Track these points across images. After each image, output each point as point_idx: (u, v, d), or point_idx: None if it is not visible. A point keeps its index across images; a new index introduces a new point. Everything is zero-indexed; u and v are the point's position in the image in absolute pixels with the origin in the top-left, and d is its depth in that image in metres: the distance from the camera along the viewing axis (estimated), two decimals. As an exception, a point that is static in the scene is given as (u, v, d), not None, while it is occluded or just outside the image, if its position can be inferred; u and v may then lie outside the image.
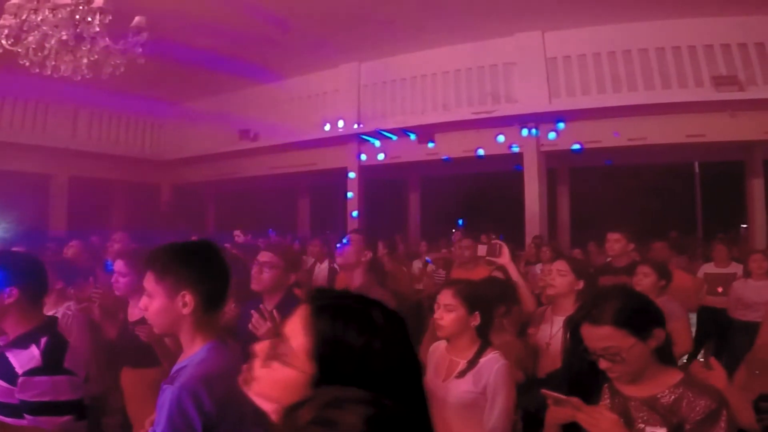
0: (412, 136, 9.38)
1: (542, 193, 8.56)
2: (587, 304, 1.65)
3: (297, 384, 0.87)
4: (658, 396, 1.55)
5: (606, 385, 1.66)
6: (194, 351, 1.57)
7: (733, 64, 7.29)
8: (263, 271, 2.78)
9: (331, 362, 0.87)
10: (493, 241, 3.37)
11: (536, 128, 8.49)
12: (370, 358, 0.86)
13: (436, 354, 2.37)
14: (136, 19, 5.33)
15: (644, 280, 3.41)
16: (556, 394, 1.54)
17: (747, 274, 5.02)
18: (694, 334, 6.55)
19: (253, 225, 10.13)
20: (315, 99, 10.46)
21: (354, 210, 10.06)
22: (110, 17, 5.00)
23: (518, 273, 3.24)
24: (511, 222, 9.56)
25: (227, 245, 5.81)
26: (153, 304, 1.58)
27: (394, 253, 6.53)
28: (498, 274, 3.41)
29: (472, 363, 2.19)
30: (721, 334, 5.29)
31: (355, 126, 9.83)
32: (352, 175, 10.11)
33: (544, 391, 1.60)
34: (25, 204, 8.95)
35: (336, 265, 4.78)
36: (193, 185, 12.25)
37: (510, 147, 8.69)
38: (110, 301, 3.29)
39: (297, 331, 0.91)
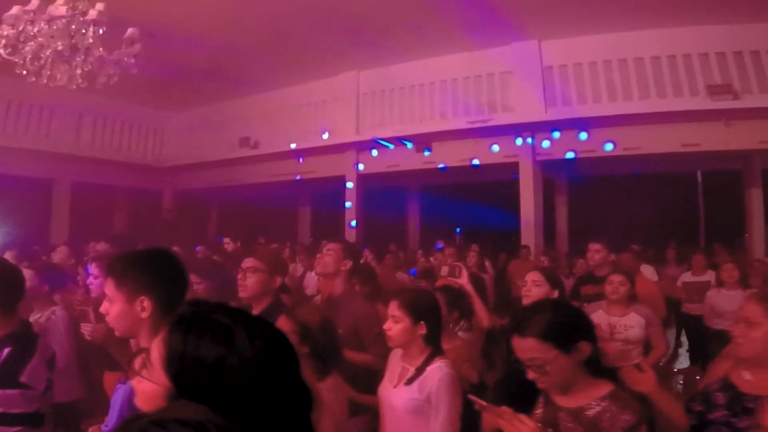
0: (409, 145, 9.43)
1: (538, 202, 8.56)
2: (518, 316, 1.68)
3: (156, 396, 0.86)
4: (585, 408, 1.57)
5: (542, 394, 1.69)
6: (152, 353, 1.63)
7: (728, 73, 7.28)
8: (247, 277, 2.82)
9: (182, 376, 0.83)
10: (453, 264, 3.41)
11: (532, 137, 8.50)
12: (225, 374, 0.81)
13: (392, 361, 2.43)
14: (129, 30, 5.46)
15: (621, 289, 3.46)
16: (480, 401, 1.56)
17: (720, 283, 5.05)
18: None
19: (254, 232, 10.23)
20: (314, 107, 10.55)
21: (352, 217, 10.11)
22: (104, 29, 5.12)
23: (474, 292, 3.25)
24: (509, 231, 9.57)
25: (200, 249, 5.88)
26: (113, 308, 1.64)
27: (383, 261, 6.56)
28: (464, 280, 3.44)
29: (420, 370, 2.23)
30: (698, 341, 5.33)
31: (354, 134, 9.91)
32: (350, 185, 10.18)
33: (470, 396, 1.62)
34: (28, 209, 9.11)
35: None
36: (194, 192, 12.38)
37: (506, 156, 8.70)
38: (92, 305, 3.36)
39: (157, 342, 0.90)
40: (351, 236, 9.84)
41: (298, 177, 10.58)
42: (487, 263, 7.31)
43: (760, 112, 7.01)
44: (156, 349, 0.89)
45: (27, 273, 3.35)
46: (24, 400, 1.83)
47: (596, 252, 4.09)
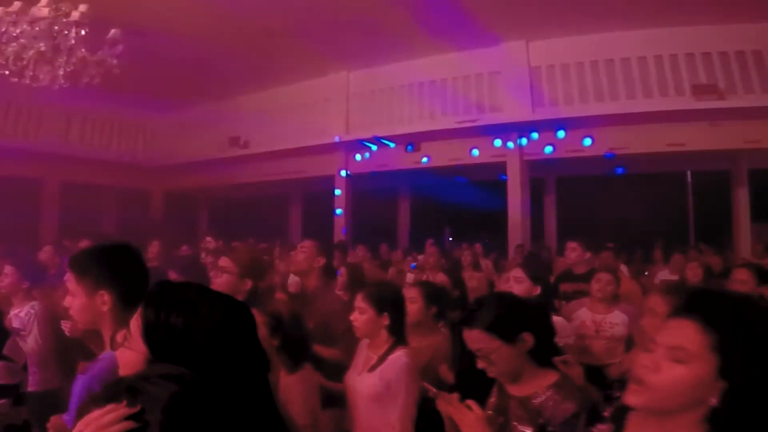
0: (392, 145, 9.45)
1: (525, 202, 8.60)
2: (468, 308, 1.78)
3: (137, 363, 1.01)
4: (532, 396, 1.65)
5: (496, 383, 1.78)
6: (114, 345, 1.67)
7: (713, 73, 7.32)
8: (218, 275, 2.92)
9: (157, 343, 0.99)
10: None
11: (520, 137, 8.54)
12: (192, 339, 0.98)
13: (360, 350, 2.55)
14: (112, 32, 5.47)
15: (608, 288, 3.49)
16: (431, 388, 1.65)
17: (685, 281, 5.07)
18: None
19: (245, 232, 10.22)
20: (305, 107, 10.55)
21: (342, 218, 10.13)
22: (87, 30, 5.13)
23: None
24: (498, 230, 9.60)
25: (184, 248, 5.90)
26: (75, 302, 1.70)
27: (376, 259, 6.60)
28: (443, 278, 3.47)
29: (381, 359, 2.35)
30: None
31: (344, 134, 9.93)
32: (338, 191, 10.22)
33: (424, 384, 1.74)
34: (17, 209, 9.08)
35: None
36: (185, 191, 12.37)
37: (493, 156, 8.73)
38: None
39: (135, 317, 1.07)
40: (341, 236, 9.87)
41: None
42: (486, 262, 7.34)
43: (745, 112, 7.06)
44: (134, 322, 1.06)
45: (8, 269, 3.41)
46: (7, 372, 1.87)
47: (572, 251, 4.17)
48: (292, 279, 5.78)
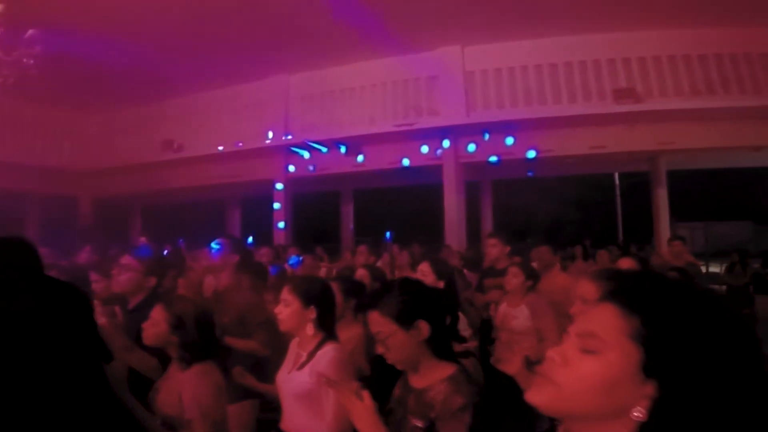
0: (324, 150, 9.42)
1: (460, 203, 8.76)
2: (374, 291, 1.82)
3: None
4: (428, 389, 1.64)
5: (402, 375, 1.78)
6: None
7: (632, 78, 7.74)
8: (121, 273, 2.98)
9: None
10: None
11: (454, 140, 8.70)
12: (12, 320, 1.02)
13: (291, 349, 2.49)
14: (29, 32, 5.24)
15: (513, 280, 3.58)
16: (329, 378, 1.67)
17: None
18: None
19: (179, 237, 9.86)
20: (242, 110, 10.37)
21: (280, 221, 9.98)
22: (1, 29, 4.87)
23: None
24: (437, 232, 9.73)
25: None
26: None
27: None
28: (362, 272, 3.48)
29: (311, 355, 2.29)
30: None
31: (283, 137, 9.81)
32: (279, 186, 10.06)
33: (324, 376, 1.75)
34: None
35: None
36: (115, 197, 11.83)
37: (430, 159, 8.86)
38: None
39: None
40: (280, 238, 9.73)
41: (281, 184, 10.10)
42: (404, 257, 7.37)
43: (660, 114, 7.50)
44: None
45: None
46: None
47: (493, 246, 4.23)
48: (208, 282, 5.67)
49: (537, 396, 0.83)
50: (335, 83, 9.66)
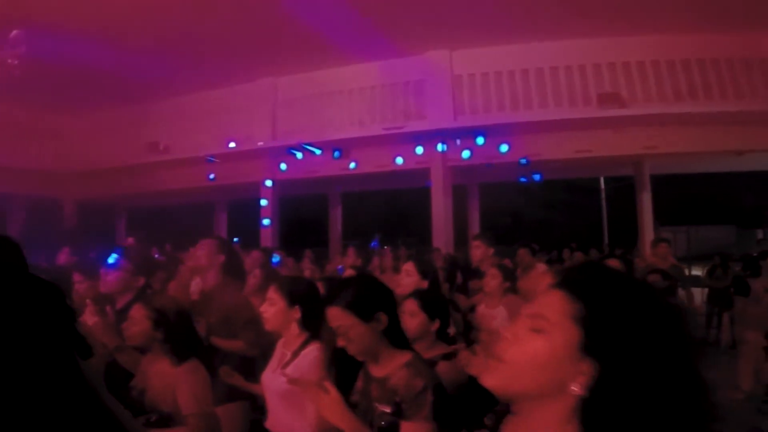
0: (317, 152, 9.42)
1: (448, 207, 8.79)
2: (332, 288, 1.87)
3: None
4: (389, 376, 1.73)
5: (362, 367, 1.85)
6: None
7: (617, 83, 7.84)
8: (108, 273, 3.06)
9: None
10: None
11: (442, 144, 8.74)
12: None
13: (277, 349, 2.52)
14: (13, 33, 5.21)
15: (491, 282, 3.63)
16: (290, 375, 1.75)
17: None
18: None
19: (165, 240, 9.78)
20: (230, 112, 10.32)
21: (267, 222, 9.94)
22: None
23: None
24: (424, 235, 9.76)
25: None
26: None
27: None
28: (351, 274, 3.49)
29: (295, 354, 2.33)
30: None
31: (271, 140, 9.78)
32: (268, 183, 10.02)
33: (282, 372, 1.80)
34: None
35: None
36: (100, 199, 11.70)
37: (418, 162, 8.89)
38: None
39: None
40: (266, 240, 9.69)
41: (270, 180, 10.10)
42: (387, 260, 7.39)
43: (644, 119, 7.60)
44: None
45: None
46: None
47: (476, 248, 4.27)
48: (195, 285, 5.64)
49: (489, 378, 0.92)
50: (324, 86, 9.66)
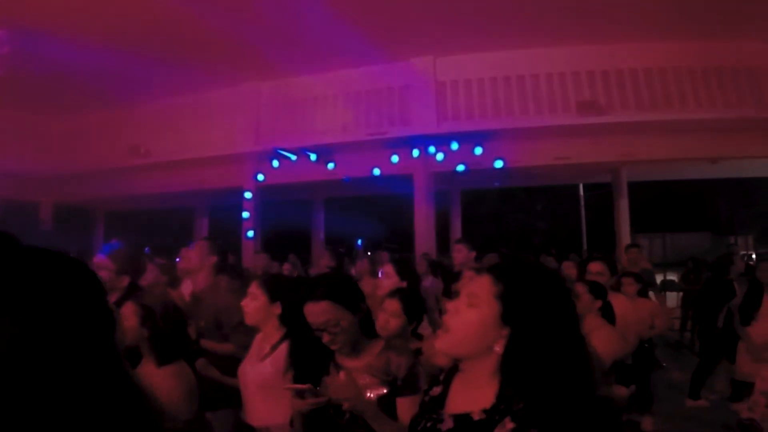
0: (293, 158, 9.40)
1: (430, 213, 8.85)
2: (309, 286, 1.90)
3: None
4: (372, 362, 1.80)
5: (331, 362, 1.88)
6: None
7: (595, 90, 8.01)
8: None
9: None
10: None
11: (425, 150, 8.81)
12: None
13: (256, 341, 2.57)
14: None
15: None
16: (292, 386, 1.75)
17: None
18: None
19: (146, 244, 9.66)
20: (214, 117, 10.24)
21: (249, 229, 9.88)
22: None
23: None
24: (407, 240, 9.81)
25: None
26: None
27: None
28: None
29: (273, 348, 2.38)
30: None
31: (254, 144, 9.74)
32: (248, 195, 9.97)
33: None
34: None
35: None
36: (78, 203, 11.50)
37: (401, 168, 8.94)
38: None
39: None
40: (249, 247, 9.62)
41: (249, 192, 10.07)
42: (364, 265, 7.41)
43: (622, 126, 7.77)
44: None
45: None
46: None
47: (458, 252, 4.36)
48: (185, 288, 5.58)
49: (439, 343, 1.24)
50: (308, 91, 9.66)
